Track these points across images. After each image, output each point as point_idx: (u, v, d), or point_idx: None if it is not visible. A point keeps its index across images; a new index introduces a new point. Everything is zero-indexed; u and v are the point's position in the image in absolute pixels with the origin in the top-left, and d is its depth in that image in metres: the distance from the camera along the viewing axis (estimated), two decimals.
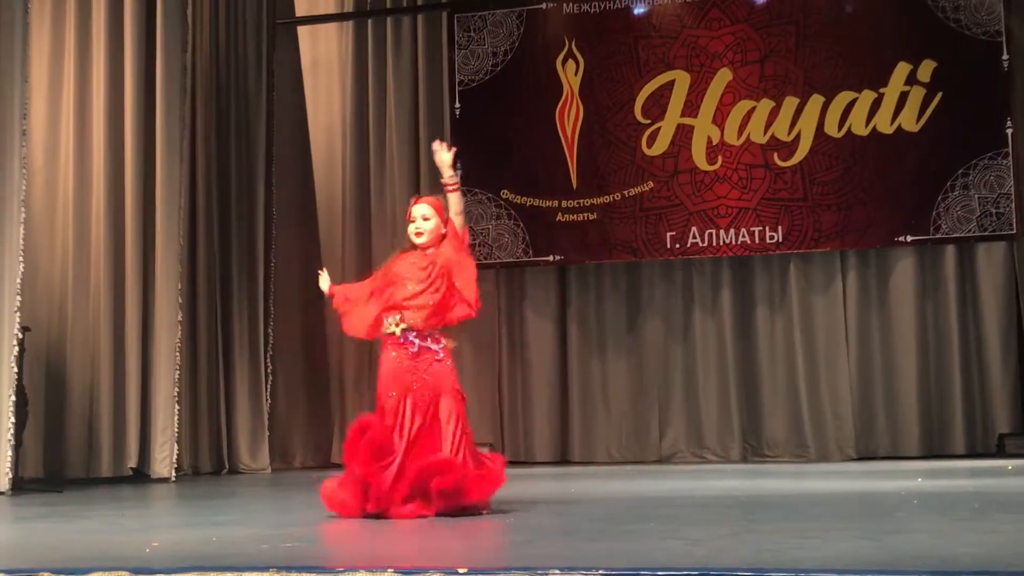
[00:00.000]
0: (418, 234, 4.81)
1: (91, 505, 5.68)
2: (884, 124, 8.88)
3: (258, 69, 9.69)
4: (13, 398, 6.75)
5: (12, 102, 6.95)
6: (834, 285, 9.08)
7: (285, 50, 10.14)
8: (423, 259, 4.78)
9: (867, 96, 8.93)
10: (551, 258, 9.43)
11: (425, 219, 4.82)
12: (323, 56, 10.41)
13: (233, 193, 9.38)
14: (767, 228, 9.00)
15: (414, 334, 4.66)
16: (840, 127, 8.96)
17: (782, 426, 9.02)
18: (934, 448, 8.74)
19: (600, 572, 2.63)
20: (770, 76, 9.12)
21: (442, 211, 4.83)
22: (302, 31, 10.37)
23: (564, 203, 9.39)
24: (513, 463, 9.36)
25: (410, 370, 4.60)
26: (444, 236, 4.81)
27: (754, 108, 9.11)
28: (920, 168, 8.80)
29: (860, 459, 8.72)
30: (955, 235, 8.72)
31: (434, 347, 4.65)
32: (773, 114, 9.07)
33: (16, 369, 6.78)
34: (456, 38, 9.74)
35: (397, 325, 4.66)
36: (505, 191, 9.51)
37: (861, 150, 8.92)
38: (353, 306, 4.87)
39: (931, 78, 8.82)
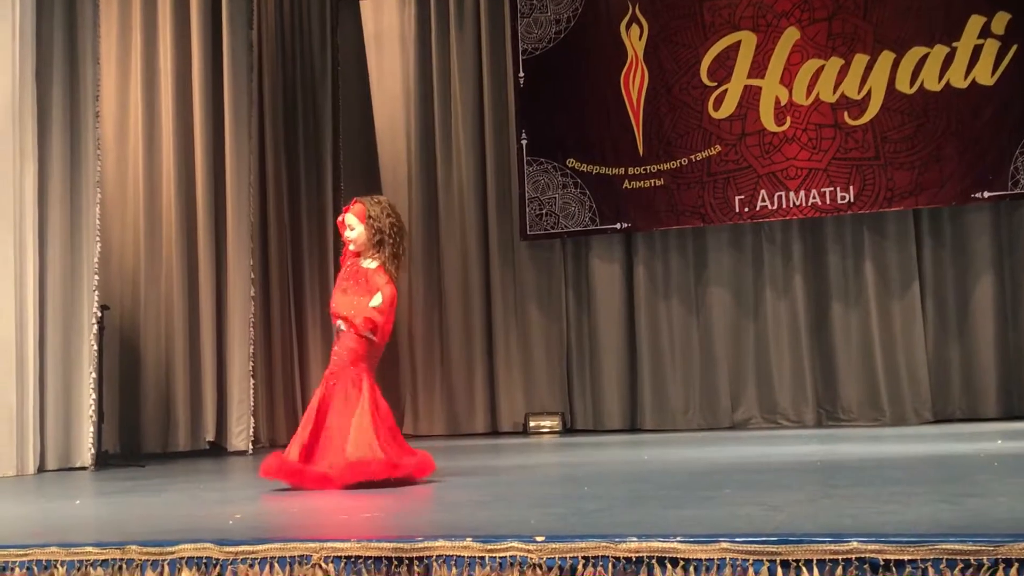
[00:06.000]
0: (347, 242, 5.05)
1: (173, 479, 5.78)
2: (958, 78, 8.69)
3: (322, 43, 9.73)
4: (94, 375, 6.90)
5: (86, 84, 7.05)
6: (908, 245, 8.92)
7: (348, 23, 10.18)
8: (359, 273, 4.98)
9: (939, 51, 8.73)
10: (618, 226, 9.38)
11: (351, 228, 5.02)
12: (386, 28, 10.43)
13: (302, 167, 9.45)
14: (838, 188, 8.86)
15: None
16: (912, 83, 8.78)
17: (857, 390, 8.91)
18: (1013, 409, 8.59)
19: (678, 539, 2.61)
20: (838, 33, 8.96)
21: (364, 218, 5.01)
22: (365, 4, 10.40)
23: (631, 170, 9.33)
24: (583, 431, 9.40)
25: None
26: (377, 243, 4.98)
27: (823, 67, 8.96)
28: (996, 122, 8.60)
29: (937, 422, 8.59)
30: None
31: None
32: (842, 72, 8.91)
33: (96, 347, 6.92)
34: (519, 6, 9.70)
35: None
36: (571, 159, 9.47)
37: (934, 106, 8.74)
38: None
39: (1006, 30, 8.60)
